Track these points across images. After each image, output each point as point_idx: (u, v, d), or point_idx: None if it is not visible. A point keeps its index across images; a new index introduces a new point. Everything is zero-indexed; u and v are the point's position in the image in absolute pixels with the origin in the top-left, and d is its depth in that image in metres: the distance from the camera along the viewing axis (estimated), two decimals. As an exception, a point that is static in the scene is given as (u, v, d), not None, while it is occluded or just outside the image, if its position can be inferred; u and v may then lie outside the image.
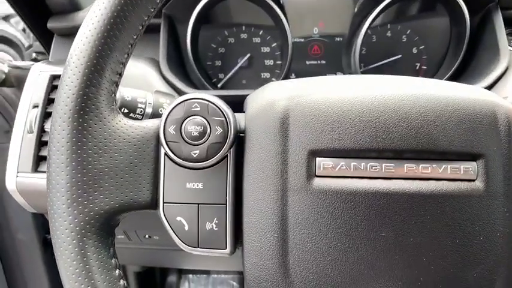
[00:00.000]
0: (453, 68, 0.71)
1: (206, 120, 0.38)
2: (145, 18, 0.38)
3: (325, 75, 0.82)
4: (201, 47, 0.80)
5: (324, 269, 0.36)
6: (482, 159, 0.36)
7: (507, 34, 0.72)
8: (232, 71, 0.80)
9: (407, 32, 0.79)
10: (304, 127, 0.37)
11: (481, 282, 0.36)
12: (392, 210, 0.35)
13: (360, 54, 0.73)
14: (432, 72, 0.79)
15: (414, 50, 0.79)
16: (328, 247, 0.36)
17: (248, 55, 0.80)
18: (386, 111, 0.36)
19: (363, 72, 0.79)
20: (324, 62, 0.82)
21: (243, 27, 0.80)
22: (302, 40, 0.81)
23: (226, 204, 0.39)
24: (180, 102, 0.38)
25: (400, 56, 0.79)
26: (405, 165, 0.36)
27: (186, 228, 0.39)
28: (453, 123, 0.36)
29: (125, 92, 0.50)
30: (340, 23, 0.80)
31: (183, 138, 0.38)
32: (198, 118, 0.38)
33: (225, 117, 0.38)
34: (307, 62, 0.82)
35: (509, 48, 0.70)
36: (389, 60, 0.78)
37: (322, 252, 0.36)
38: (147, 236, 0.81)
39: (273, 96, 0.39)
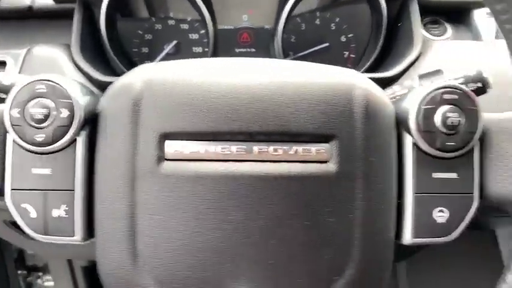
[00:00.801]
0: (373, 57, 0.71)
1: (53, 102, 0.37)
2: None
3: None
4: (126, 33, 0.78)
5: (172, 254, 0.35)
6: (335, 140, 0.36)
7: (427, 23, 0.72)
8: (158, 58, 0.78)
9: (336, 20, 0.78)
10: (156, 110, 0.36)
11: (332, 264, 0.35)
12: (241, 193, 0.35)
13: (286, 42, 0.72)
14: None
15: (343, 39, 0.79)
16: (176, 232, 0.35)
17: (174, 42, 0.79)
18: (237, 95, 0.35)
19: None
20: (253, 50, 0.80)
21: (171, 13, 0.78)
22: (231, 28, 0.80)
23: (74, 190, 0.38)
24: (26, 85, 0.37)
25: (327, 44, 0.78)
26: (255, 147, 0.35)
27: (33, 215, 0.37)
28: (305, 106, 0.35)
29: (3, 77, 0.48)
30: (269, 10, 0.79)
31: (27, 121, 0.36)
32: (44, 100, 0.37)
33: (72, 99, 0.37)
34: (237, 50, 0.80)
35: (429, 36, 0.71)
36: (316, 48, 0.78)
37: (171, 237, 0.35)
38: None
39: (130, 79, 0.38)
